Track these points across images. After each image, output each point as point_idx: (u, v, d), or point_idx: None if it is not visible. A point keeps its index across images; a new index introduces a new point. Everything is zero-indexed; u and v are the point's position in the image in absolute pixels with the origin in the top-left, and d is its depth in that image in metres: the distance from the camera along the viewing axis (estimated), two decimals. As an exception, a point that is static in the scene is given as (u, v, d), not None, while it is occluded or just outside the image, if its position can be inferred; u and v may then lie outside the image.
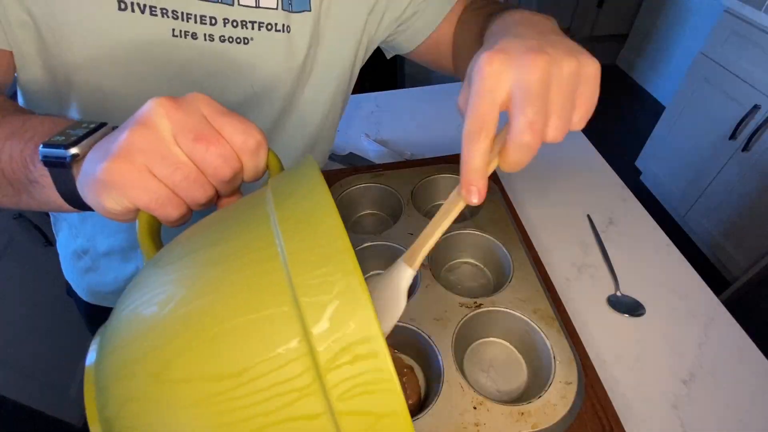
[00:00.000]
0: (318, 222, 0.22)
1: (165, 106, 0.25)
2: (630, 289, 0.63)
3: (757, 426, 0.50)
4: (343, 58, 0.54)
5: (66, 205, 0.30)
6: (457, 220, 0.68)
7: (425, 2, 0.56)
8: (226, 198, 0.31)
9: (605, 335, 0.58)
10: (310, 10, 0.48)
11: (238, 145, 0.27)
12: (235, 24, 0.45)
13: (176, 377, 0.21)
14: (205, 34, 0.44)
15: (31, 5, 0.38)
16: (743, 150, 1.44)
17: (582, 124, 0.28)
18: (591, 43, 2.96)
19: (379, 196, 0.70)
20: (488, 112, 0.26)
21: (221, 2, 0.44)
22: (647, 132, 1.92)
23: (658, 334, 0.58)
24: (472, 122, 0.26)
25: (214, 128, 0.26)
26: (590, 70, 0.27)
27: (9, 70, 0.42)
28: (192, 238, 0.26)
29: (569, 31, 3.06)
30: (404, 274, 0.31)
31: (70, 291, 0.74)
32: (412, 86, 1.12)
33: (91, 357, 0.24)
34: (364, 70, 0.60)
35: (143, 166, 0.25)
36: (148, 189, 0.26)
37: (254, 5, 0.45)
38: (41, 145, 0.28)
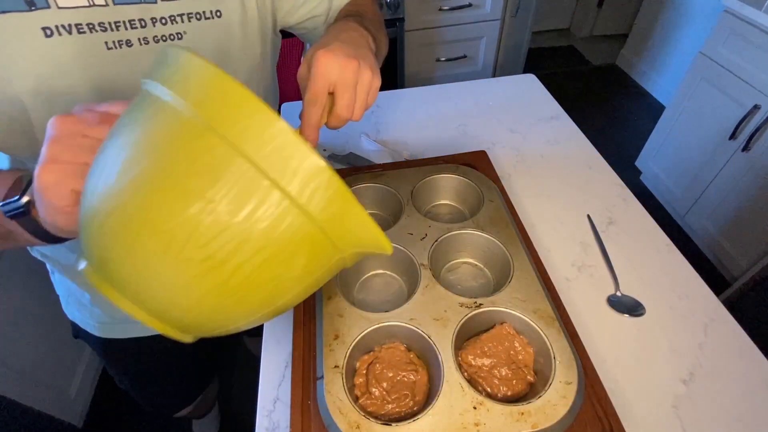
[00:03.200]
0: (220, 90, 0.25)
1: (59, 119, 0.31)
2: (630, 289, 0.63)
3: (757, 426, 0.50)
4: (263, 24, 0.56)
5: (44, 242, 0.36)
6: (457, 220, 0.68)
7: None
8: None
9: (605, 335, 0.58)
10: None
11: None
12: (164, 21, 0.44)
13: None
14: (139, 39, 0.43)
15: None
16: (743, 150, 1.44)
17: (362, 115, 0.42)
18: (591, 43, 2.96)
19: (379, 196, 0.70)
20: (322, 91, 0.39)
21: (144, 2, 0.43)
22: (647, 132, 1.92)
23: (658, 334, 0.58)
24: (312, 95, 0.38)
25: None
26: (377, 83, 0.42)
27: None
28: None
29: (569, 31, 3.06)
30: None
31: (77, 333, 0.72)
32: (412, 86, 1.12)
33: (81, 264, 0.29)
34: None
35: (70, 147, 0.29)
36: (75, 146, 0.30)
37: None
38: (0, 204, 0.34)
